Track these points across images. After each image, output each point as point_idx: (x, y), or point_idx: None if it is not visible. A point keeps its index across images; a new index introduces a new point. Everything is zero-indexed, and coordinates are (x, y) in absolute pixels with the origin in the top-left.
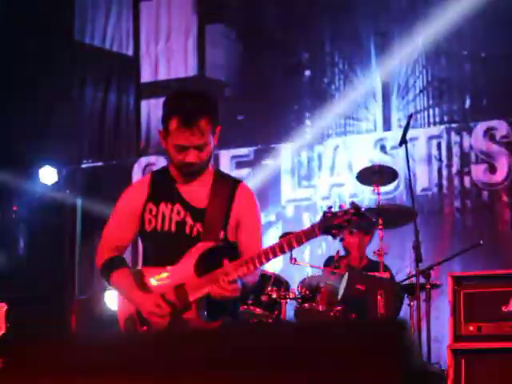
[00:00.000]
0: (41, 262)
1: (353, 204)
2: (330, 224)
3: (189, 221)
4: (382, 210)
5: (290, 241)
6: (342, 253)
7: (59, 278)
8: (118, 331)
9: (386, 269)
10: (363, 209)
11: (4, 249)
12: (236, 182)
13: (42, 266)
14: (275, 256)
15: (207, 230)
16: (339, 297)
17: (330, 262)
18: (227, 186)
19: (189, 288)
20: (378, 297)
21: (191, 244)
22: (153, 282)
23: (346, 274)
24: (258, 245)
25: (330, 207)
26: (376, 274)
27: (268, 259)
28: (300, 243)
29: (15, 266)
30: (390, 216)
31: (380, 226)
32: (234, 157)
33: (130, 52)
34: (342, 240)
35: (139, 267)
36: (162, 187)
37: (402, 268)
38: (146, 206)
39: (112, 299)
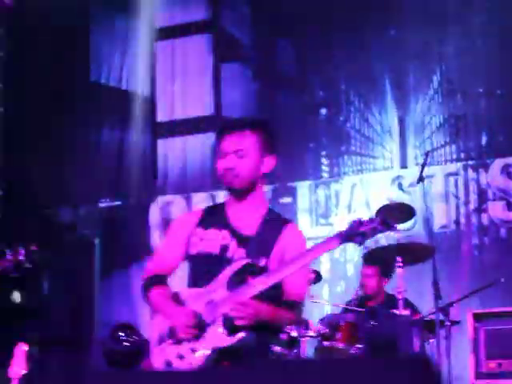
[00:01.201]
0: (61, 301)
1: (379, 214)
2: (355, 231)
3: (233, 246)
4: (401, 249)
5: (314, 249)
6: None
7: (79, 317)
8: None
9: (408, 305)
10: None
11: (26, 289)
12: (288, 220)
13: (62, 305)
14: (300, 264)
15: (250, 256)
16: (362, 334)
17: (349, 302)
18: (278, 221)
19: (219, 303)
20: (413, 335)
21: (239, 271)
22: (189, 299)
23: (371, 313)
24: (302, 282)
25: (359, 218)
26: (396, 311)
27: (292, 267)
28: (324, 250)
29: (38, 305)
30: (409, 253)
31: (400, 264)
32: None
33: (146, 92)
34: (360, 244)
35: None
36: (212, 214)
37: (420, 305)
38: (195, 230)
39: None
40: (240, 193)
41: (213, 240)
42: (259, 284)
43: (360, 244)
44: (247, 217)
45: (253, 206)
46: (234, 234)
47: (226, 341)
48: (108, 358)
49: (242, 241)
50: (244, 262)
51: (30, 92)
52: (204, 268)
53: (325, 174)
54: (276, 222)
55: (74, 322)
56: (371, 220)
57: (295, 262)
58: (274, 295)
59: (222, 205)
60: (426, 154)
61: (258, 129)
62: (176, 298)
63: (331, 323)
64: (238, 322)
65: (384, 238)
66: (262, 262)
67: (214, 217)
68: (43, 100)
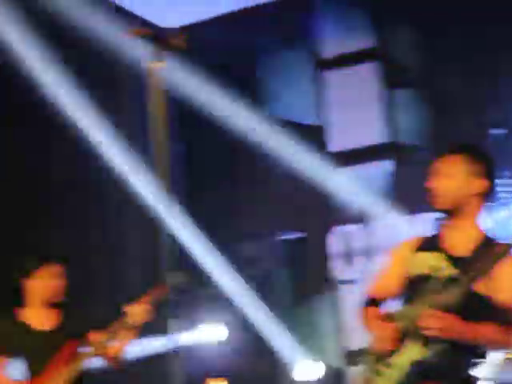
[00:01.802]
0: (244, 336)
1: None
2: None
3: (445, 266)
4: None
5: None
6: None
7: (261, 351)
8: None
9: None
10: None
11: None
12: (504, 244)
13: (245, 339)
14: (489, 271)
15: (461, 276)
16: None
17: None
18: (497, 245)
19: (419, 317)
20: None
21: (442, 286)
22: (397, 317)
23: None
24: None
25: None
26: None
27: (481, 276)
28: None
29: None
30: None
31: None
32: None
33: (317, 122)
34: None
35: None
36: (428, 238)
37: None
38: (412, 254)
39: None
40: (447, 213)
41: (426, 261)
42: (450, 296)
43: None
44: (460, 238)
45: (465, 227)
46: (447, 255)
47: (419, 353)
48: None
49: (454, 261)
50: (447, 277)
51: (205, 130)
52: (416, 288)
53: (503, 195)
54: (490, 244)
55: (258, 356)
56: None
57: (483, 270)
58: (479, 308)
59: (438, 229)
60: None
61: (463, 152)
62: (386, 318)
63: None
64: (428, 333)
65: None
66: (471, 281)
67: (429, 240)
68: (215, 136)
